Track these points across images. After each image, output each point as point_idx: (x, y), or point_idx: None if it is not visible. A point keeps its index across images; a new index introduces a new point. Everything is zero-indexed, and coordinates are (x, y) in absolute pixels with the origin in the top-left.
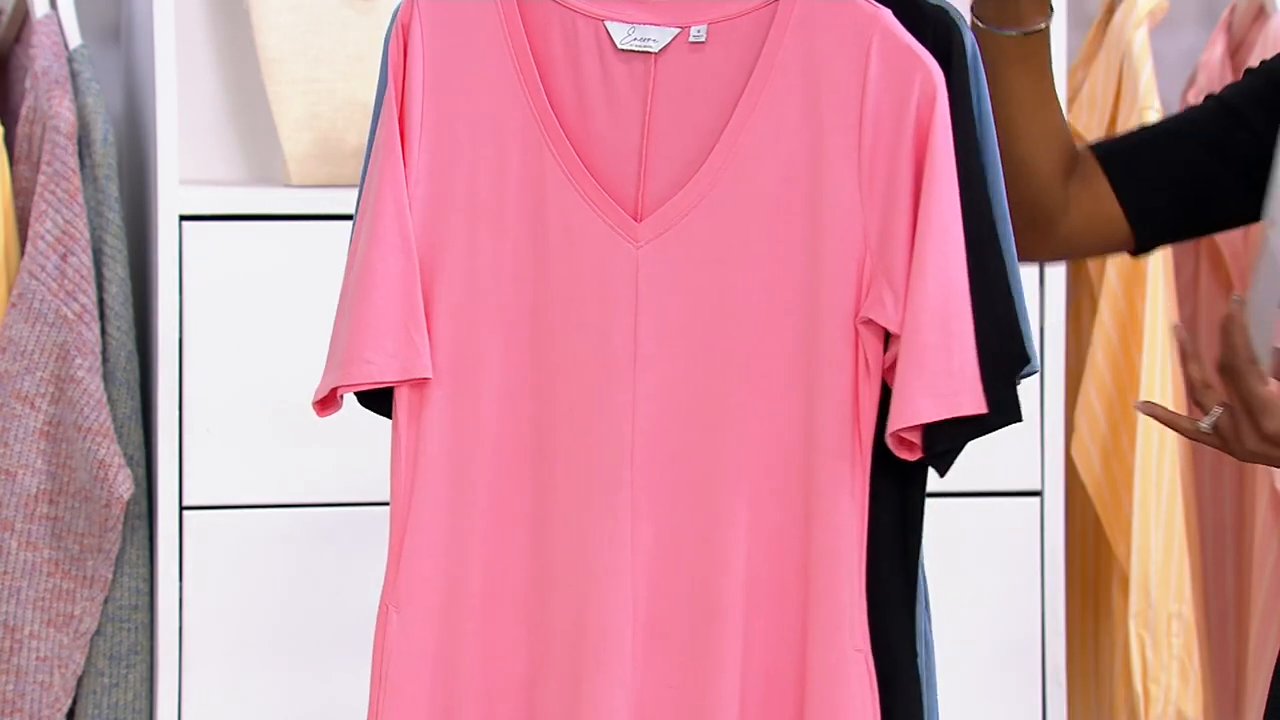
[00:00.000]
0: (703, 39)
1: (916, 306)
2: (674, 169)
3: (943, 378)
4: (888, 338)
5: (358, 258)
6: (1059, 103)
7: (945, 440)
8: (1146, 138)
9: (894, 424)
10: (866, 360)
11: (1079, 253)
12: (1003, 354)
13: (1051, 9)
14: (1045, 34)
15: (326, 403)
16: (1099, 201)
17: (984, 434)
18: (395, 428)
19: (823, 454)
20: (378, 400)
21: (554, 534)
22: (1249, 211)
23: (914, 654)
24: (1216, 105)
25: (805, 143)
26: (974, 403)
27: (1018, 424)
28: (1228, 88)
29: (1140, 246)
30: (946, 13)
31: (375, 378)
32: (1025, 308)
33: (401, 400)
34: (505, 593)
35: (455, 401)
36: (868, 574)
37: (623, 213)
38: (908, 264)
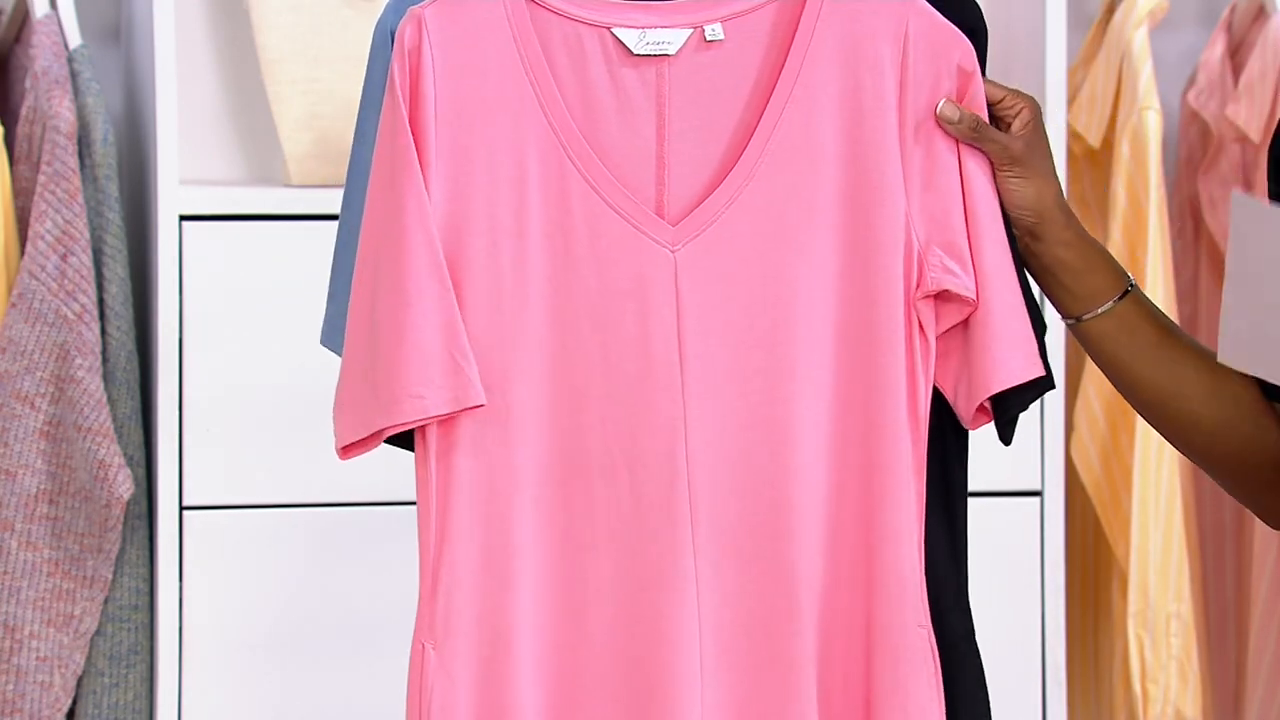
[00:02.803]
0: (720, 37)
1: (989, 274)
2: (701, 169)
3: (1025, 340)
4: None
5: (386, 292)
6: (1201, 354)
7: (1017, 404)
8: None
9: (993, 387)
10: (924, 336)
11: None
12: (1034, 318)
13: (1128, 276)
14: (1134, 297)
15: (363, 444)
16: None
17: (1040, 395)
18: (423, 459)
19: (881, 434)
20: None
21: (598, 553)
22: None
23: (970, 634)
24: None
25: (842, 130)
26: (1041, 363)
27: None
28: None
29: None
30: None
31: (430, 412)
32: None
33: (430, 431)
34: (549, 622)
35: (484, 427)
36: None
37: (656, 217)
38: (966, 233)
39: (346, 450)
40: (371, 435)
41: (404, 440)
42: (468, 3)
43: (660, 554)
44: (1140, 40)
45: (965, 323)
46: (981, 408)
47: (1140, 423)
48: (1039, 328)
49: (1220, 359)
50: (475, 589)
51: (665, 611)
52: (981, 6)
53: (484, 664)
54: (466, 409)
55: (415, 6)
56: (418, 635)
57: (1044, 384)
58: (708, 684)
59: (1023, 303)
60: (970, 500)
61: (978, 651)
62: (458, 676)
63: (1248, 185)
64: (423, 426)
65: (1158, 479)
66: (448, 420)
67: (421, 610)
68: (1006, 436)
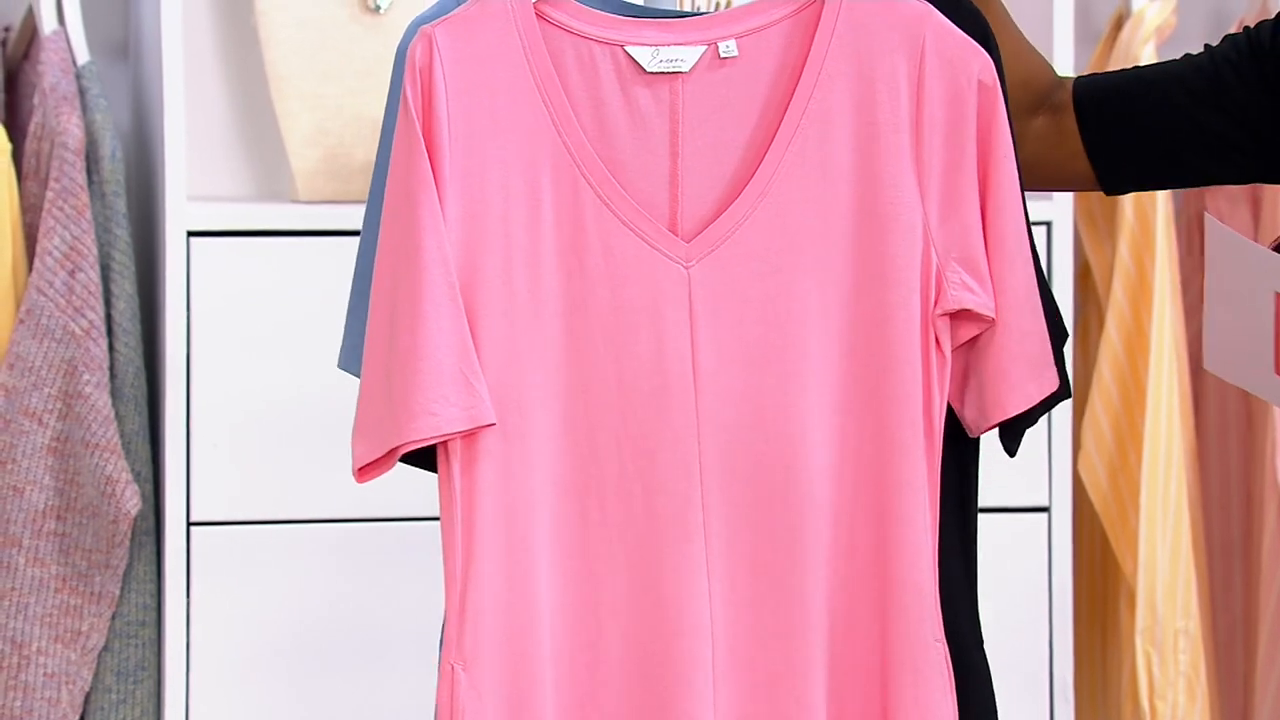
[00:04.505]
0: (734, 53)
1: (1009, 293)
2: (714, 186)
3: (1041, 361)
4: None
5: (403, 311)
6: (1019, 31)
7: (1027, 421)
8: (1130, 77)
9: (1008, 410)
10: (940, 352)
11: (1038, 183)
12: (1054, 328)
13: None
14: None
15: (379, 464)
16: (1063, 136)
17: (1051, 409)
18: (446, 479)
19: (896, 450)
20: (414, 454)
21: (614, 570)
22: (1226, 169)
23: (980, 644)
24: (1207, 58)
25: (856, 146)
26: (1055, 380)
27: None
28: (1224, 39)
29: (1108, 187)
30: (978, 9)
31: (444, 430)
32: None
33: (453, 451)
34: (567, 638)
35: (504, 446)
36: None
37: (669, 234)
38: (985, 249)
39: (363, 472)
40: (387, 455)
41: (419, 461)
42: (479, 21)
43: (674, 569)
44: (1148, 56)
45: (978, 341)
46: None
47: (1148, 439)
48: (1061, 336)
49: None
50: (501, 609)
51: (679, 626)
52: (990, 23)
53: (511, 684)
54: (480, 427)
55: (426, 25)
56: (446, 656)
57: (1057, 396)
58: (721, 698)
59: (1043, 323)
60: (978, 516)
61: (986, 660)
62: (487, 697)
63: (1255, 200)
64: (445, 446)
65: (1165, 495)
66: (470, 439)
67: (449, 631)
68: (1012, 449)
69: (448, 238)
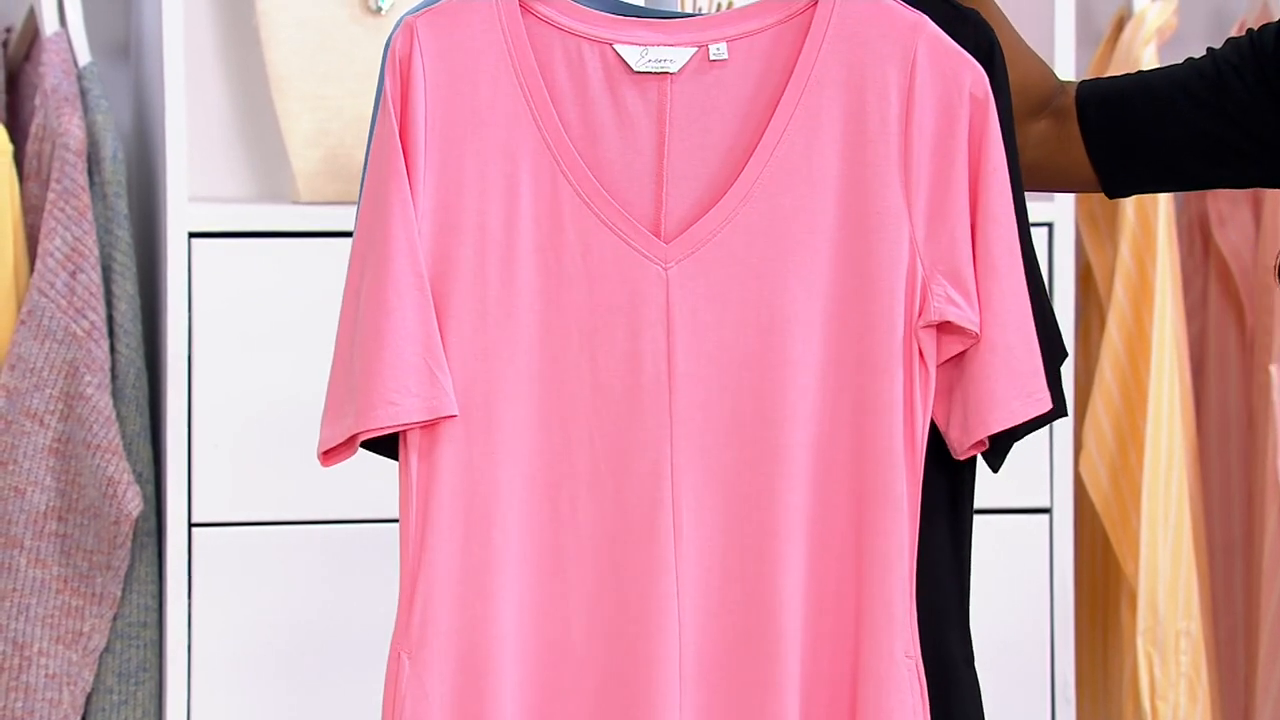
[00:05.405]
0: (724, 56)
1: (995, 308)
2: (699, 188)
3: (1029, 378)
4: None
5: (369, 299)
6: (1018, 35)
7: (1011, 438)
8: (1133, 82)
9: (991, 427)
10: (924, 364)
11: (1040, 186)
12: (1052, 347)
13: None
14: None
15: (341, 450)
16: (1066, 141)
17: (1042, 427)
18: (404, 468)
19: (875, 461)
20: (380, 441)
21: (584, 568)
22: (1229, 174)
23: (970, 660)
24: (1210, 62)
25: (844, 154)
26: (1048, 399)
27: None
28: (1227, 42)
29: (1110, 191)
30: (985, 22)
31: (402, 420)
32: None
33: (411, 441)
34: (532, 634)
35: (467, 440)
36: (923, 583)
37: (648, 234)
38: (972, 263)
39: (326, 456)
40: (348, 441)
41: (387, 450)
42: (462, 13)
43: (642, 571)
44: (1149, 57)
45: (964, 356)
46: (978, 440)
47: (1149, 440)
48: (1059, 355)
49: None
50: (453, 599)
51: (646, 629)
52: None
53: (460, 675)
54: (442, 418)
55: (409, 16)
56: (395, 644)
57: (1051, 415)
58: (687, 703)
59: (1034, 338)
60: (979, 517)
61: (976, 677)
62: (431, 687)
63: (1256, 201)
64: (405, 436)
65: (1166, 496)
66: (429, 430)
67: (399, 618)
68: (996, 466)
69: (419, 229)
